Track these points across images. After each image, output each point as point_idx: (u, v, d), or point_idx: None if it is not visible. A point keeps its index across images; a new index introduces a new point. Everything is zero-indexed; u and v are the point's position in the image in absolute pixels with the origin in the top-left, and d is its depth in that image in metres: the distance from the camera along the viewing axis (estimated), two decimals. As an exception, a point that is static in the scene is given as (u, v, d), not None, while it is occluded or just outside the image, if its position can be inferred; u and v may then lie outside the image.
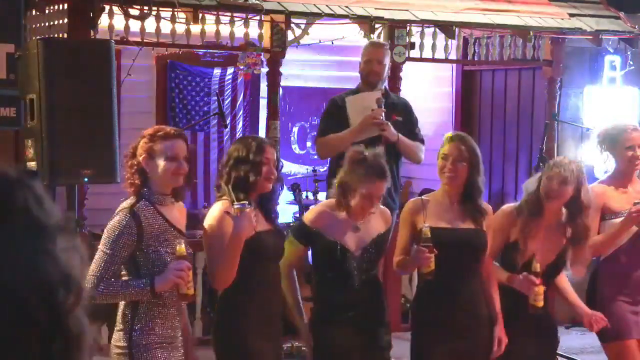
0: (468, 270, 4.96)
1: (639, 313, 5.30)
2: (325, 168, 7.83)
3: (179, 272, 4.09)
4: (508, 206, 5.23)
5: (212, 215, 4.59)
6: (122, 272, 4.24)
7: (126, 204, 4.25)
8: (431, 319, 4.92)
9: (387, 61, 6.85)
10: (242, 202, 4.43)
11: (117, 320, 4.28)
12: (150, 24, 7.52)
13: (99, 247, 4.19)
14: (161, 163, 4.23)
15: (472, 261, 4.98)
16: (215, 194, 4.84)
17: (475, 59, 9.14)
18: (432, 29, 8.62)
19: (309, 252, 5.07)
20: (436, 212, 4.93)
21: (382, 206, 4.98)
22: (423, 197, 5.15)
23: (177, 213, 4.38)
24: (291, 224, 7.90)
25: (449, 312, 4.89)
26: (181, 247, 4.16)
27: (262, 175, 4.57)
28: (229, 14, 7.82)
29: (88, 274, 4.06)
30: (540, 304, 4.88)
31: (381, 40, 8.36)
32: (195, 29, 7.69)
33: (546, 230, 5.04)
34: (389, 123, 6.45)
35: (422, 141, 6.76)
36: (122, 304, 4.26)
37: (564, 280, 5.27)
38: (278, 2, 7.93)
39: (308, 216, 4.95)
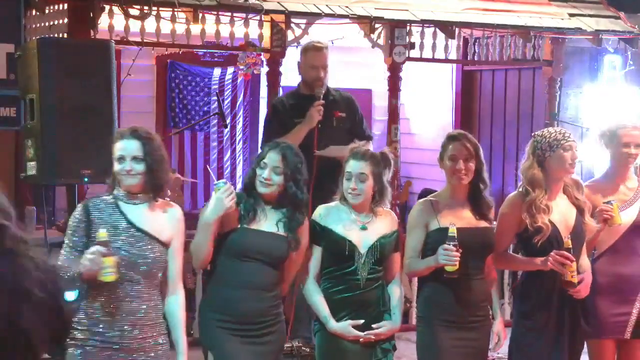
0: (479, 267, 4.98)
1: (629, 313, 5.28)
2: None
3: (90, 256, 3.90)
4: (512, 195, 5.14)
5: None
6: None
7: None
8: (441, 315, 4.91)
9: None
10: (221, 180, 4.55)
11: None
12: (150, 24, 7.52)
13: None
14: (115, 164, 4.18)
15: (484, 258, 5.01)
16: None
17: (475, 59, 9.14)
18: (432, 29, 8.62)
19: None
20: (450, 212, 4.92)
21: (387, 209, 4.99)
22: (429, 198, 5.09)
23: (148, 214, 4.21)
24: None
25: (460, 308, 4.89)
26: (102, 232, 3.96)
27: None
28: (229, 14, 7.82)
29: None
30: (576, 279, 4.83)
31: (381, 40, 8.37)
32: (195, 29, 7.70)
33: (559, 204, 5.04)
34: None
35: (369, 137, 6.76)
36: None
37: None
38: (278, 2, 7.92)
39: (317, 214, 4.95)
